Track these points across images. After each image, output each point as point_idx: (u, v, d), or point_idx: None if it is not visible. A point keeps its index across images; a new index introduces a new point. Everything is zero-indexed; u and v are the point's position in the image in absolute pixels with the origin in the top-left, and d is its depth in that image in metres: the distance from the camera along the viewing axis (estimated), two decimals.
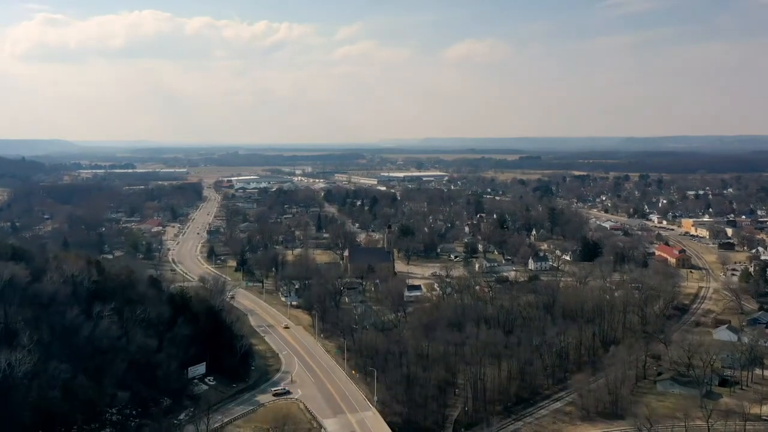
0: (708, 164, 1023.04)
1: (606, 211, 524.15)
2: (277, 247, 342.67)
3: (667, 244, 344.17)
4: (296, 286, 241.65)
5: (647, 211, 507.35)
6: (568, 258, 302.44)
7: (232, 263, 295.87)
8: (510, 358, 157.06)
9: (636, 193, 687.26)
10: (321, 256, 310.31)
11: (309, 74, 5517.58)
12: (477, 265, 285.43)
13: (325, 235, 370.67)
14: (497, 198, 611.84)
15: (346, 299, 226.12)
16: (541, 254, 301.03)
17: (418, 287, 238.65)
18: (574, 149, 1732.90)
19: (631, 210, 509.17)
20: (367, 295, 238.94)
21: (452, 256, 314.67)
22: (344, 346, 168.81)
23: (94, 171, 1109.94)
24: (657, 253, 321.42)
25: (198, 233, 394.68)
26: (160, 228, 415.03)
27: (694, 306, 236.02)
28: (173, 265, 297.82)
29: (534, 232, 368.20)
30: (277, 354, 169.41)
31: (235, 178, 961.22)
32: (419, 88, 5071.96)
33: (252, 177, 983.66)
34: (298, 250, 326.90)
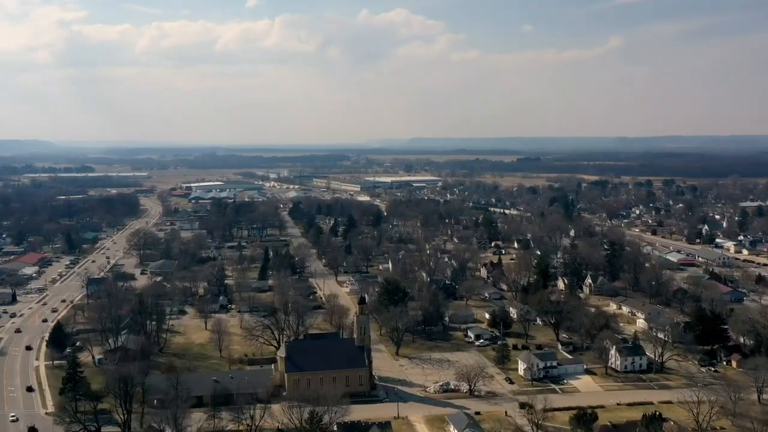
0: (729, 167, 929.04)
1: (654, 233, 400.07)
2: (189, 310, 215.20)
3: None
4: None
5: (708, 231, 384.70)
6: (667, 338, 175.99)
7: (98, 349, 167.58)
8: None
9: (671, 202, 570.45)
10: (243, 346, 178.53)
11: (294, 72, 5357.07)
12: (521, 365, 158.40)
13: (271, 283, 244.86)
14: (507, 212, 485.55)
15: None
16: (631, 341, 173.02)
17: None
18: (569, 150, 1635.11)
19: (686, 231, 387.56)
20: None
21: (470, 334, 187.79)
22: None
23: (38, 175, 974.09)
24: None
25: (83, 281, 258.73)
26: (36, 268, 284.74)
27: None
28: None
29: (589, 281, 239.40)
30: None
31: (196, 184, 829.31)
32: (408, 87, 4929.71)
33: (215, 183, 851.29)
34: (219, 317, 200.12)
